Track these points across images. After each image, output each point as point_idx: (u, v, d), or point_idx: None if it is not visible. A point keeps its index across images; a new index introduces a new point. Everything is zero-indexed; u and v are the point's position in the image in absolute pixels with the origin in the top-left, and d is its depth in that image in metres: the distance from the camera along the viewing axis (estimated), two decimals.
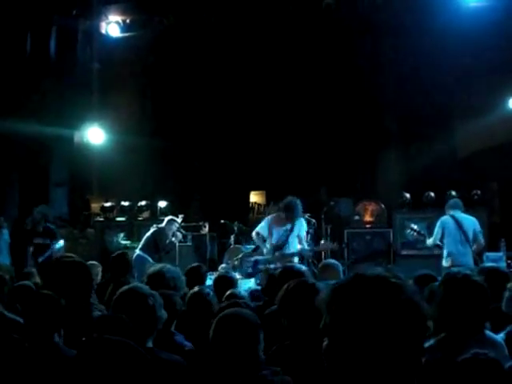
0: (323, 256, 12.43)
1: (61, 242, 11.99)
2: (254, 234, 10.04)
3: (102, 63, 16.36)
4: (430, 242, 9.99)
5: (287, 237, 9.59)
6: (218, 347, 3.34)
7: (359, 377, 1.65)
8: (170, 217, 12.09)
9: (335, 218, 13.30)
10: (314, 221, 12.72)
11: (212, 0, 14.81)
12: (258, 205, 15.63)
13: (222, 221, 14.09)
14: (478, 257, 9.81)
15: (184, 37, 15.26)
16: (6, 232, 12.64)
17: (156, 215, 14.02)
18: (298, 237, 9.71)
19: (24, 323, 3.94)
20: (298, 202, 9.67)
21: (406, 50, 14.04)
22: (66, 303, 3.96)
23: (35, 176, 15.47)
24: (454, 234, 9.61)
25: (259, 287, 7.15)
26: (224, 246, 13.85)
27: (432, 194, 12.63)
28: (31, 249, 12.06)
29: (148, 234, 11.64)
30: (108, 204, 14.81)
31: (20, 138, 14.54)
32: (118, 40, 15.97)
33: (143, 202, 14.59)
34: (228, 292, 5.47)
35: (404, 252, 12.66)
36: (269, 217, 10.15)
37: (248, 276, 9.98)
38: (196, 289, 5.24)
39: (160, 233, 11.59)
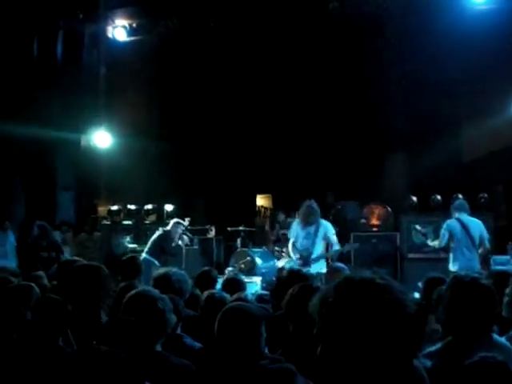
0: (329, 259, 12.43)
1: (66, 255, 11.97)
2: (290, 245, 10.10)
3: (109, 67, 16.42)
4: (435, 243, 9.91)
5: (313, 240, 9.67)
6: (221, 338, 3.50)
7: (351, 380, 1.66)
8: (175, 219, 12.07)
9: (342, 221, 13.27)
10: None
11: (217, 3, 14.84)
12: (265, 208, 15.63)
13: (229, 229, 14.04)
14: (484, 261, 9.77)
15: (189, 40, 15.30)
16: (11, 235, 12.68)
17: (162, 218, 14.01)
18: (326, 239, 9.77)
19: (30, 326, 3.94)
20: (315, 205, 9.83)
21: (412, 53, 14.02)
22: (77, 306, 3.98)
23: (42, 180, 15.52)
24: (461, 238, 9.51)
25: (265, 291, 7.15)
26: (230, 250, 13.84)
27: (439, 198, 12.60)
28: (38, 265, 12.05)
29: (154, 237, 11.62)
30: (115, 207, 14.83)
31: (27, 141, 14.58)
32: (124, 44, 16.02)
33: (150, 206, 14.59)
34: (234, 296, 5.48)
35: (411, 255, 12.62)
36: (294, 222, 10.27)
37: None
38: (210, 292, 5.25)
39: (166, 236, 11.57)
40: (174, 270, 5.58)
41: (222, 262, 13.89)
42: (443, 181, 13.34)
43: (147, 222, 14.47)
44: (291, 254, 10.01)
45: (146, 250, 11.45)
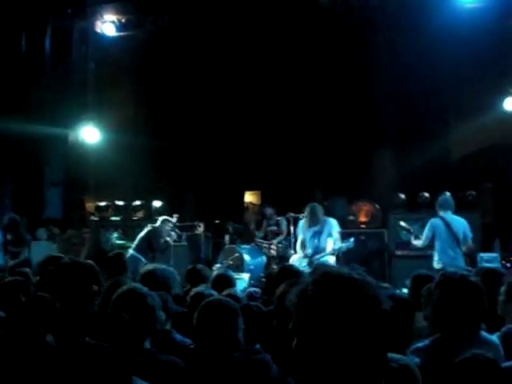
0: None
1: (25, 254, 11.93)
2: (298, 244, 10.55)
3: (97, 62, 16.35)
4: (419, 243, 10.00)
5: (319, 239, 10.08)
6: (200, 331, 3.66)
7: (325, 375, 1.67)
8: (164, 217, 12.06)
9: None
10: None
11: (207, 0, 14.81)
12: (253, 205, 15.60)
13: (217, 221, 14.07)
14: (470, 259, 9.82)
15: (179, 36, 15.26)
16: None
17: (151, 215, 13.99)
18: (330, 237, 10.10)
19: (16, 321, 3.91)
20: (318, 207, 10.32)
21: (401, 50, 14.04)
22: (65, 304, 3.96)
23: (30, 175, 15.45)
24: (444, 237, 9.60)
25: (256, 288, 7.15)
26: (219, 246, 13.83)
27: (427, 195, 12.63)
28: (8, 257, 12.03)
29: (142, 233, 11.61)
30: (103, 203, 14.79)
31: (14, 137, 14.51)
32: (112, 39, 15.95)
33: (138, 202, 14.56)
34: (224, 292, 5.48)
35: (398, 252, 12.66)
36: (300, 222, 10.74)
37: None
38: (198, 289, 5.26)
39: (154, 232, 11.56)
40: (163, 266, 5.58)
41: (210, 258, 13.87)
42: (431, 178, 13.37)
43: (135, 218, 14.44)
44: (299, 252, 10.41)
45: (133, 246, 11.43)
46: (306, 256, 10.14)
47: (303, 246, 10.31)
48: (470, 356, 2.22)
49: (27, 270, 7.44)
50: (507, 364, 3.18)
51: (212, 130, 15.81)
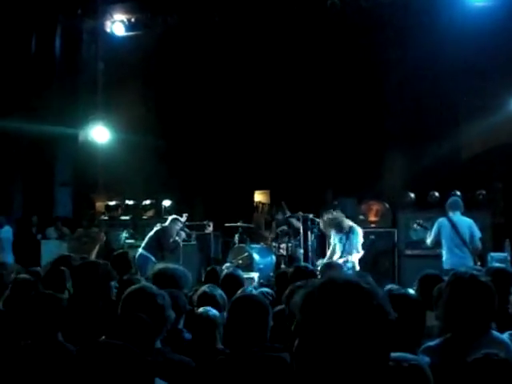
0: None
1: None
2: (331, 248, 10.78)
3: (107, 62, 16.39)
4: (428, 241, 10.14)
5: (343, 246, 10.25)
6: (231, 325, 3.71)
7: (323, 377, 1.69)
8: (173, 216, 12.06)
9: None
10: (318, 220, 12.73)
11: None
12: (263, 204, 15.61)
13: (227, 224, 14.04)
14: (479, 258, 9.84)
15: (188, 36, 15.27)
16: (7, 230, 12.66)
17: (160, 214, 14.01)
18: (352, 245, 10.27)
19: (27, 322, 3.92)
20: (342, 218, 10.45)
21: (411, 50, 14.01)
22: (78, 303, 3.97)
23: (40, 175, 15.51)
24: (449, 237, 9.71)
25: (267, 289, 7.17)
26: (228, 245, 13.83)
27: (437, 194, 12.60)
28: None
29: (151, 233, 11.62)
30: (113, 203, 14.82)
31: (25, 137, 14.59)
32: (122, 39, 15.98)
33: (148, 201, 14.58)
34: (239, 292, 5.50)
35: (408, 252, 12.64)
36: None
37: None
38: (204, 288, 5.26)
39: (164, 232, 11.57)
40: (175, 265, 5.59)
41: (219, 257, 13.89)
42: (441, 177, 13.33)
43: (145, 217, 14.46)
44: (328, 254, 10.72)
45: (142, 245, 11.44)
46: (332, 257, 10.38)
47: (333, 250, 10.54)
48: (483, 356, 2.22)
49: (38, 268, 7.49)
50: None
51: (222, 129, 15.81)
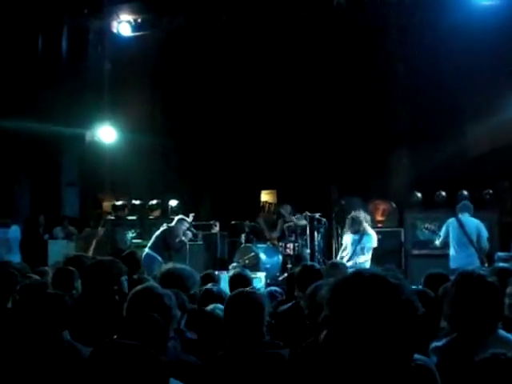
0: (334, 254, 12.47)
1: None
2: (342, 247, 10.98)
3: (113, 62, 16.41)
4: (437, 242, 10.44)
5: (355, 248, 10.41)
6: (227, 323, 3.74)
7: (351, 368, 1.70)
8: (180, 216, 12.08)
9: (346, 217, 13.27)
10: (324, 220, 12.74)
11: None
12: (269, 204, 15.61)
13: (233, 222, 14.06)
14: (486, 258, 9.90)
15: (194, 36, 15.28)
16: (15, 230, 12.68)
17: (167, 214, 14.01)
18: (364, 248, 10.48)
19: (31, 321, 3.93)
20: (361, 215, 10.71)
21: (417, 49, 13.99)
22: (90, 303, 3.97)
23: (46, 175, 15.55)
24: (457, 236, 10.02)
25: (276, 288, 7.17)
26: (235, 245, 13.84)
27: (443, 194, 12.59)
28: None
29: (158, 232, 11.64)
30: (119, 203, 14.83)
31: (31, 137, 14.61)
32: (128, 39, 16.01)
33: (154, 201, 14.58)
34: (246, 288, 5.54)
35: (415, 252, 12.63)
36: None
37: None
38: (208, 286, 5.27)
39: (170, 231, 11.58)
40: (183, 266, 5.60)
41: (226, 257, 13.89)
42: (448, 177, 13.31)
43: (151, 217, 14.47)
44: (340, 255, 10.88)
45: (149, 245, 11.46)
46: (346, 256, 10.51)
47: (345, 250, 10.68)
48: (491, 355, 2.22)
49: (46, 268, 7.50)
50: None
51: (228, 129, 15.82)
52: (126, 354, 2.28)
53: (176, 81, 16.02)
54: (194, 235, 12.75)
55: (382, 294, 1.71)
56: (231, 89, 15.75)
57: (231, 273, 6.90)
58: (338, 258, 10.81)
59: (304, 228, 12.80)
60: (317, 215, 12.59)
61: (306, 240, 12.62)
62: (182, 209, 13.70)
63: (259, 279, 10.48)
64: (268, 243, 13.31)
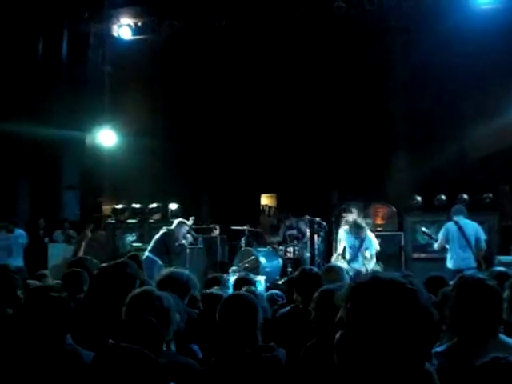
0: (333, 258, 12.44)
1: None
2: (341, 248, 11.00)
3: (114, 66, 16.43)
4: (436, 245, 10.40)
5: (356, 252, 10.49)
6: (221, 326, 3.69)
7: (365, 370, 1.72)
8: (179, 219, 12.06)
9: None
10: (324, 224, 12.73)
11: (222, 3, 14.84)
12: (269, 207, 15.62)
13: (233, 227, 14.04)
14: (484, 260, 9.95)
15: (194, 40, 15.30)
16: (19, 235, 12.64)
17: (167, 217, 14.00)
18: (366, 253, 10.53)
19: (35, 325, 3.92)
20: (362, 220, 10.71)
21: (417, 52, 14.01)
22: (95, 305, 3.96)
23: (47, 178, 15.54)
24: (456, 239, 10.04)
25: (277, 291, 7.17)
26: (235, 249, 13.82)
27: (443, 197, 12.60)
28: None
29: (157, 236, 11.62)
30: (119, 206, 14.83)
31: (32, 140, 14.62)
32: (129, 43, 16.04)
33: (154, 204, 14.59)
34: (244, 288, 5.55)
35: (415, 255, 12.63)
36: (343, 230, 11.00)
37: None
38: (211, 290, 5.28)
39: (169, 235, 11.56)
40: (182, 270, 5.60)
41: (226, 261, 13.88)
42: (448, 180, 13.33)
43: (152, 220, 14.48)
44: (339, 258, 10.92)
45: (149, 248, 11.45)
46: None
47: (345, 252, 10.72)
48: (492, 359, 2.21)
49: (46, 271, 7.51)
50: None
51: (228, 133, 15.83)
52: (128, 359, 2.28)
53: (176, 84, 16.03)
54: (195, 239, 12.74)
55: (399, 298, 1.73)
56: (231, 92, 15.76)
57: (235, 276, 6.91)
58: (335, 255, 10.87)
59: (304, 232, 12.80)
60: (317, 219, 12.58)
61: (306, 244, 12.61)
62: (182, 212, 13.69)
63: (259, 283, 10.47)
64: (268, 247, 13.30)
